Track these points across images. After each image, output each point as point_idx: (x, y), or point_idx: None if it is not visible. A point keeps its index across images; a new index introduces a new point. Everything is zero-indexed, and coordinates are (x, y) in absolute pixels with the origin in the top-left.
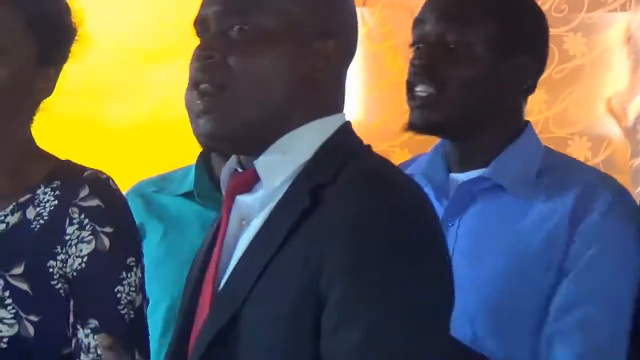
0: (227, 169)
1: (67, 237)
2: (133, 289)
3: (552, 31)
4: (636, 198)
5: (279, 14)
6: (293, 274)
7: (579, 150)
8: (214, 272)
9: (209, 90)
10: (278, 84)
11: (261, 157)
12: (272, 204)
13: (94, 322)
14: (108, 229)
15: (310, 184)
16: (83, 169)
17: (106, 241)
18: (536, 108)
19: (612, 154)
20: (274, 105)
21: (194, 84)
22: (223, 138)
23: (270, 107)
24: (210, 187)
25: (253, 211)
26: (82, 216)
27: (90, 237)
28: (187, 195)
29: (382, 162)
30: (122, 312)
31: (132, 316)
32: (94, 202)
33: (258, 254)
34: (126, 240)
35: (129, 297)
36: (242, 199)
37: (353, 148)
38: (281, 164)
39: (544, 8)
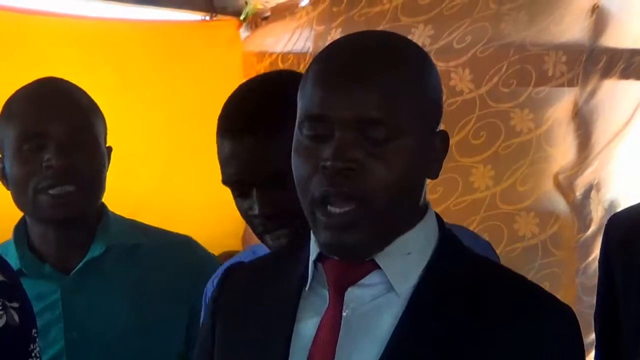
0: (314, 254)
1: None
2: (39, 358)
3: (499, 106)
4: (583, 273)
5: (414, 114)
6: None
7: (526, 226)
8: None
9: (347, 202)
10: (414, 188)
11: (384, 258)
12: (400, 302)
13: None
14: (15, 304)
15: (452, 285)
16: None
17: (15, 316)
18: (483, 184)
19: (560, 230)
20: (409, 209)
21: (323, 196)
22: (363, 250)
23: (406, 212)
24: (36, 262)
25: (360, 304)
26: None
27: (1, 312)
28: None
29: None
30: None
31: None
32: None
33: (411, 354)
34: (30, 312)
35: None
36: (352, 292)
37: (460, 242)
38: (409, 266)
39: (492, 82)
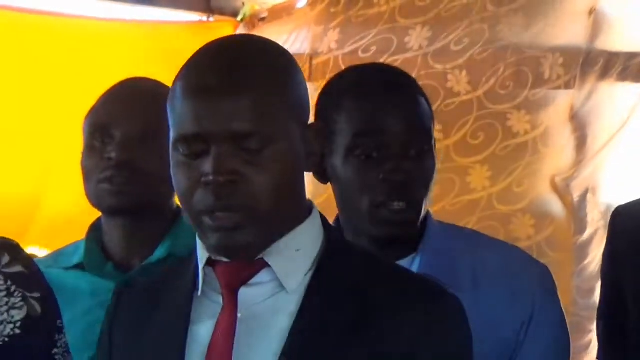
0: (203, 259)
1: None
2: (65, 349)
3: (497, 108)
4: (579, 276)
5: (285, 117)
6: None
7: (522, 228)
8: None
9: (233, 212)
10: (295, 187)
11: (272, 256)
12: (294, 300)
13: None
14: (36, 294)
15: (342, 282)
16: None
17: (37, 306)
18: (480, 185)
19: (556, 231)
20: (294, 207)
21: (210, 208)
22: (253, 249)
23: (290, 210)
24: (101, 258)
25: (254, 304)
26: (9, 283)
27: (21, 303)
28: (79, 267)
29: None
30: None
31: None
32: (18, 269)
33: (309, 351)
34: (53, 303)
35: (64, 358)
36: (245, 292)
37: (345, 240)
38: (298, 263)
39: (489, 84)
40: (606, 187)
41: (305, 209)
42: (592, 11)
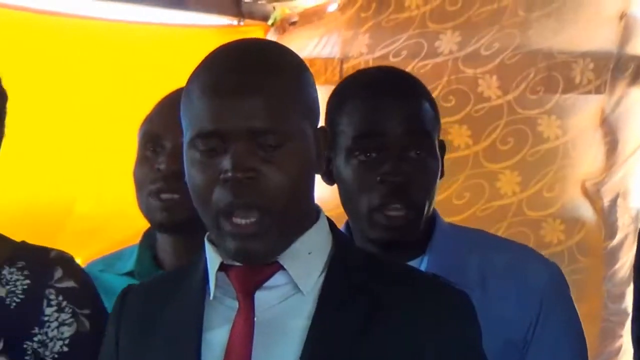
0: (214, 264)
1: (45, 319)
2: None
3: (527, 113)
4: (610, 280)
5: (299, 117)
6: None
7: (552, 233)
8: None
9: (250, 212)
10: (308, 188)
11: (287, 259)
12: (309, 301)
13: None
14: (86, 311)
15: (354, 282)
16: (46, 249)
17: (86, 323)
18: (510, 190)
19: (586, 236)
20: (306, 209)
21: (228, 207)
22: (269, 255)
23: (303, 212)
24: (151, 267)
25: (270, 306)
26: (60, 298)
27: (71, 319)
28: (130, 274)
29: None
30: None
31: None
32: (70, 284)
33: (329, 351)
34: (102, 319)
35: None
36: (260, 295)
37: (353, 242)
38: (311, 266)
39: (520, 89)
40: (637, 192)
41: (314, 212)
42: (623, 16)
